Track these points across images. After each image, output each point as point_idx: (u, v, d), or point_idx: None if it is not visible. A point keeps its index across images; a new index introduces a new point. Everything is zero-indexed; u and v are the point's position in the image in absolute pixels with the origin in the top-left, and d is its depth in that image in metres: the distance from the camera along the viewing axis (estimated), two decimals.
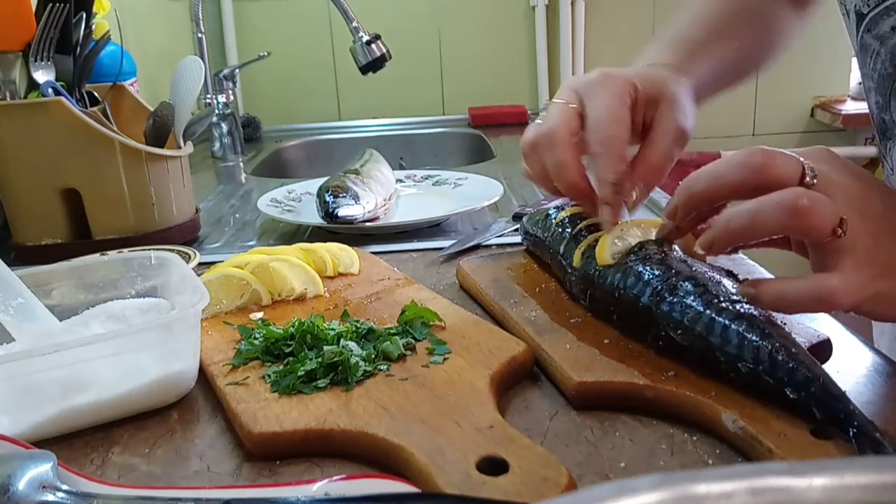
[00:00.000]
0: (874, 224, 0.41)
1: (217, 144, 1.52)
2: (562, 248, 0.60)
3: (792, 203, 0.40)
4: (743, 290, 0.44)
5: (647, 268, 0.50)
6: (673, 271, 0.49)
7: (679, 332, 0.45)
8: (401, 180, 1.10)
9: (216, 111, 1.50)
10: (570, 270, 0.57)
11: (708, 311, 0.44)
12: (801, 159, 0.42)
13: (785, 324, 0.44)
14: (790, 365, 0.40)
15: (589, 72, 0.58)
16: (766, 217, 0.41)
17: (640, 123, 0.57)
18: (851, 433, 0.37)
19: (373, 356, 0.49)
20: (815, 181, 0.41)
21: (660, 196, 1.00)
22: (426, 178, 1.12)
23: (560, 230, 0.62)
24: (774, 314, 0.44)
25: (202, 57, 1.46)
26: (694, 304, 0.45)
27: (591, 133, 0.55)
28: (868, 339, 0.53)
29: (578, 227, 0.60)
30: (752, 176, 0.42)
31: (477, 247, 0.79)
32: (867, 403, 0.41)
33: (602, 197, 0.54)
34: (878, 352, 0.50)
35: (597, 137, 0.54)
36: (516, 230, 0.79)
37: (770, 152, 0.42)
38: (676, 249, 0.52)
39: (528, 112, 1.81)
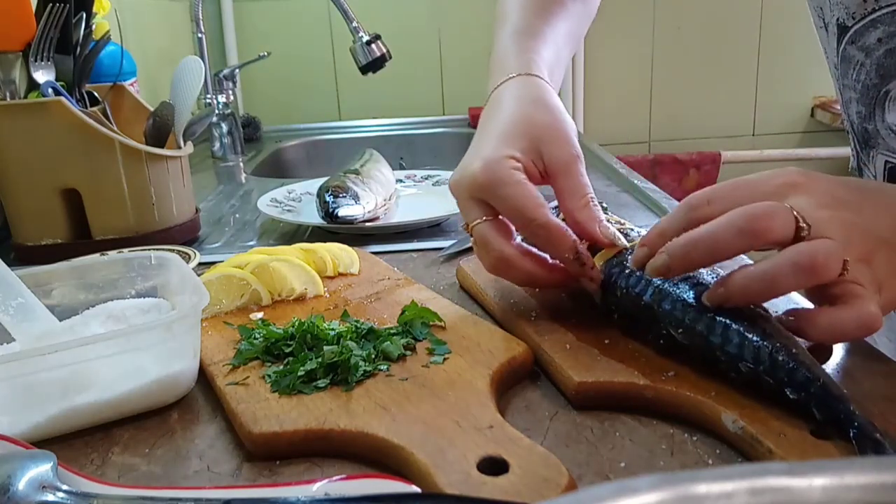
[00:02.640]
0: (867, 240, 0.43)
1: (217, 144, 1.52)
2: None
3: (809, 263, 0.40)
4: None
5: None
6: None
7: (680, 330, 0.45)
8: (401, 180, 1.10)
9: (216, 111, 1.50)
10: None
11: (709, 311, 0.44)
12: (794, 212, 0.42)
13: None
14: (790, 365, 0.40)
15: (462, 171, 0.56)
16: (784, 281, 0.41)
17: (539, 172, 0.55)
18: (852, 434, 0.37)
19: (373, 356, 0.49)
20: (809, 231, 0.42)
21: (659, 197, 1.00)
22: (426, 178, 1.12)
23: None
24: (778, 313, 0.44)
25: (202, 57, 1.46)
26: (695, 303, 0.45)
27: (520, 230, 0.53)
28: (868, 339, 0.53)
29: None
30: (752, 242, 0.42)
31: None
32: (867, 404, 0.41)
33: (577, 273, 0.52)
34: (878, 352, 0.50)
35: (528, 231, 0.52)
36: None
37: (767, 212, 0.42)
38: None
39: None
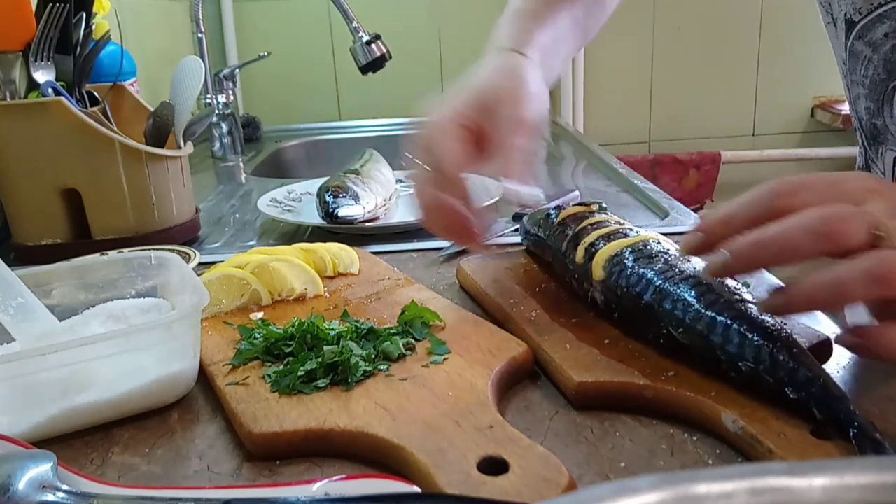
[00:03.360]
0: None
1: (217, 144, 1.52)
2: (564, 246, 0.60)
3: (883, 273, 0.38)
4: (769, 303, 0.41)
5: (650, 266, 0.50)
6: (675, 270, 0.49)
7: (680, 330, 0.45)
8: (401, 180, 1.10)
9: (216, 111, 1.50)
10: (572, 268, 0.57)
11: (710, 310, 0.44)
12: (871, 215, 0.39)
13: (785, 324, 0.44)
14: (791, 365, 0.40)
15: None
16: (855, 289, 0.39)
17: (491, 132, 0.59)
18: (852, 434, 0.37)
19: (373, 356, 0.49)
20: (883, 236, 0.39)
21: (659, 197, 1.00)
22: None
23: (561, 229, 0.62)
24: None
25: (202, 57, 1.46)
26: (696, 302, 0.45)
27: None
28: None
29: (580, 225, 0.60)
30: (825, 246, 0.39)
31: None
32: (867, 404, 0.41)
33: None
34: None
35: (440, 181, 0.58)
36: (516, 230, 0.79)
37: (843, 216, 0.39)
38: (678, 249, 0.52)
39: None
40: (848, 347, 0.41)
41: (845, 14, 0.59)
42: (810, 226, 0.39)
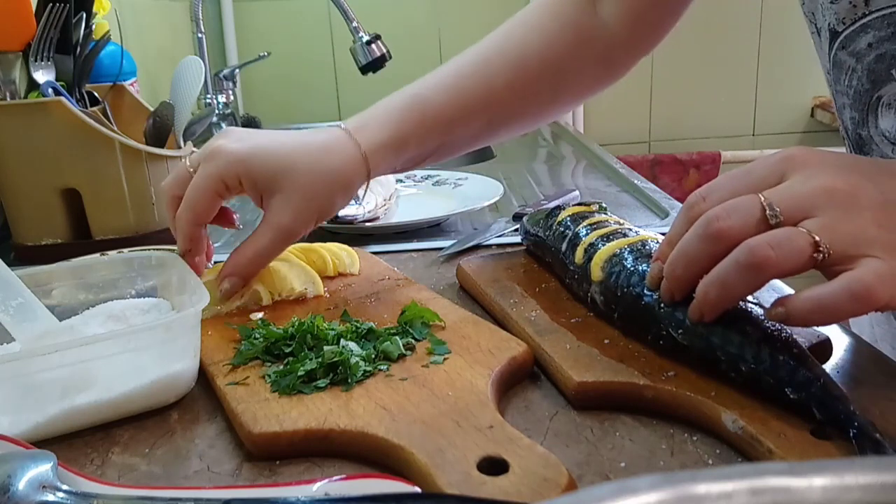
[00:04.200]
0: (885, 192, 0.39)
1: None
2: (563, 246, 0.60)
3: (749, 261, 0.38)
4: (773, 313, 0.40)
5: (649, 266, 0.50)
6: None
7: (680, 331, 0.45)
8: (401, 180, 1.10)
9: (216, 111, 1.50)
10: (571, 268, 0.57)
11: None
12: (761, 199, 0.40)
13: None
14: (791, 365, 0.40)
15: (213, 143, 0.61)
16: (735, 282, 0.40)
17: (256, 201, 0.60)
18: (852, 434, 0.37)
19: (373, 356, 0.49)
20: (780, 217, 0.39)
21: (659, 197, 1.00)
22: (426, 178, 1.12)
23: (561, 229, 0.62)
24: None
25: (202, 57, 1.46)
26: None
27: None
28: (869, 341, 0.53)
29: (580, 225, 0.60)
30: (717, 247, 0.40)
31: (477, 247, 0.79)
32: (867, 404, 0.41)
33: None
34: (878, 352, 0.50)
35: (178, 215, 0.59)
36: (516, 230, 0.79)
37: (723, 212, 0.40)
38: None
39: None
40: (774, 319, 0.41)
41: (829, 24, 0.58)
42: (697, 233, 0.42)
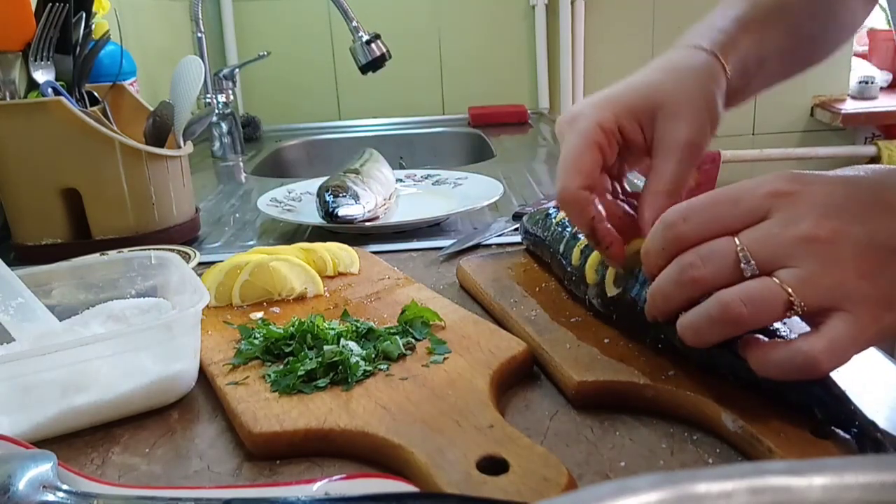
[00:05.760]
0: (870, 250, 0.37)
1: (217, 144, 1.52)
2: (562, 248, 0.60)
3: (722, 317, 0.38)
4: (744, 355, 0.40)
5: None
6: None
7: (678, 338, 0.45)
8: (401, 180, 1.10)
9: (216, 111, 1.50)
10: (569, 269, 0.57)
11: None
12: (737, 247, 0.39)
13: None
14: None
15: (583, 100, 0.54)
16: (708, 333, 0.40)
17: (643, 141, 0.52)
18: (852, 433, 0.37)
19: (373, 356, 0.49)
20: (755, 270, 0.38)
21: None
22: (426, 178, 1.12)
23: (560, 229, 0.62)
24: None
25: (202, 57, 1.46)
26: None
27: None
28: None
29: None
30: (692, 292, 0.41)
31: (477, 246, 0.79)
32: (867, 403, 0.41)
33: (596, 248, 0.51)
34: (878, 352, 0.50)
35: (557, 193, 0.51)
36: (516, 230, 0.79)
37: (698, 259, 0.40)
38: None
39: (528, 112, 1.81)
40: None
41: None
42: (672, 277, 0.41)
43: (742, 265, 0.39)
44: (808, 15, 0.60)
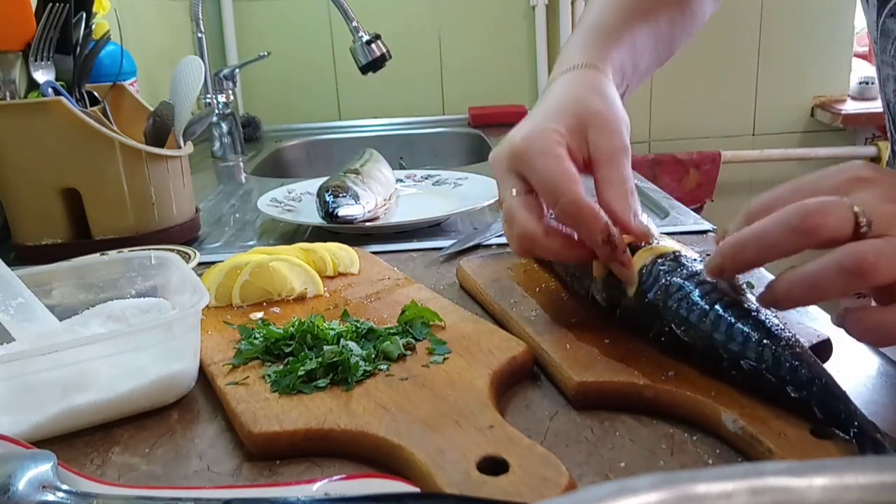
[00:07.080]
0: None
1: (217, 144, 1.52)
2: None
3: (856, 266, 0.37)
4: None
5: (656, 266, 0.50)
6: (680, 268, 0.49)
7: (683, 328, 0.45)
8: (401, 180, 1.10)
9: (216, 111, 1.50)
10: (571, 267, 0.57)
11: (714, 308, 0.44)
12: (854, 208, 0.38)
13: (785, 323, 0.44)
14: (793, 364, 0.40)
15: (503, 143, 0.54)
16: (830, 284, 0.38)
17: (582, 159, 0.53)
18: (852, 434, 0.37)
19: (373, 356, 0.49)
20: (869, 228, 0.38)
21: (659, 197, 1.00)
22: (426, 178, 1.12)
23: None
24: (778, 313, 0.44)
25: (202, 57, 1.46)
26: (700, 300, 0.45)
27: (550, 206, 0.51)
28: None
29: None
30: (804, 241, 0.39)
31: (477, 246, 0.79)
32: (867, 403, 0.41)
33: (606, 258, 0.50)
34: (878, 352, 0.50)
35: (558, 208, 0.49)
36: None
37: (821, 209, 0.38)
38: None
39: (528, 112, 1.81)
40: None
41: None
42: (787, 222, 0.39)
43: (860, 220, 0.38)
44: (668, 20, 0.67)
